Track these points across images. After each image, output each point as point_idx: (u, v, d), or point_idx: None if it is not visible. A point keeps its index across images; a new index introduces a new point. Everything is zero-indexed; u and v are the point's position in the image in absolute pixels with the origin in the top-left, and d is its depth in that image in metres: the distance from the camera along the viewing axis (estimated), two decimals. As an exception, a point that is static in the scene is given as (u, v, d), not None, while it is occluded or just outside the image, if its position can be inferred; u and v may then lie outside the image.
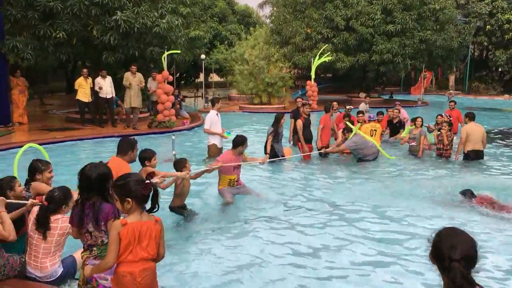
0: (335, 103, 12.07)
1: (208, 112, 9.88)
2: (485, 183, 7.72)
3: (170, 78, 13.96)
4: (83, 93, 13.73)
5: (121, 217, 3.31)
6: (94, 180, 3.23)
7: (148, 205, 2.99)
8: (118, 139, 5.64)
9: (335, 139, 10.58)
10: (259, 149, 9.98)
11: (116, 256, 2.81)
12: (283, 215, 6.12)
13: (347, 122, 9.87)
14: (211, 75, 31.79)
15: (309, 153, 9.65)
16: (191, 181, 5.92)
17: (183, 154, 9.14)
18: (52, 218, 3.84)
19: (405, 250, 4.99)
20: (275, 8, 27.31)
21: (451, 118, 10.71)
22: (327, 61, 20.51)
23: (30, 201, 3.90)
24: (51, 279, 3.90)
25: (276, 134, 9.24)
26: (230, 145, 6.78)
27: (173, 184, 5.52)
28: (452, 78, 36.23)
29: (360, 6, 22.50)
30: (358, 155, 9.44)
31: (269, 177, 8.35)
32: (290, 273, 4.41)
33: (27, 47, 12.77)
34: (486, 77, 34.36)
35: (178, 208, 5.79)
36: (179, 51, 15.08)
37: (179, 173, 5.44)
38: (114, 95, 14.25)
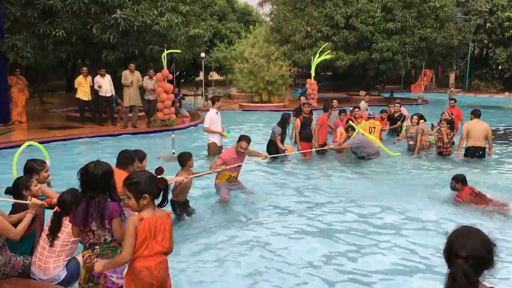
0: (335, 101, 12.14)
1: (208, 110, 9.87)
2: (485, 181, 7.73)
3: (170, 76, 13.93)
4: (83, 92, 13.71)
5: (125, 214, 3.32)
6: (100, 178, 3.20)
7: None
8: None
9: (335, 137, 10.57)
10: (260, 149, 9.91)
11: (133, 251, 2.84)
12: (282, 213, 6.12)
13: (350, 121, 9.91)
14: (211, 73, 31.74)
15: (309, 150, 9.67)
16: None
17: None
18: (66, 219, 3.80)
19: (404, 248, 4.99)
20: (274, 6, 27.27)
21: (452, 116, 10.73)
22: (327, 59, 20.47)
23: (31, 202, 3.85)
24: (54, 283, 3.85)
25: (283, 134, 9.31)
26: (230, 144, 6.77)
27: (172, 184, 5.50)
28: (452, 76, 36.18)
29: (360, 4, 22.46)
30: (361, 153, 9.46)
31: (267, 173, 8.36)
32: (289, 272, 4.41)
33: (27, 46, 12.74)
34: (486, 75, 34.31)
35: (180, 203, 5.75)
36: (178, 50, 15.06)
37: (180, 178, 5.43)
38: (113, 94, 14.24)
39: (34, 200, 3.89)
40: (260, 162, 8.62)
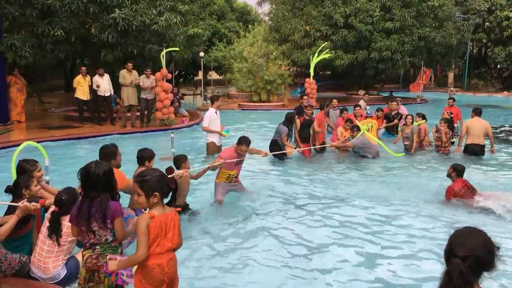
0: (335, 100, 12.18)
1: (207, 110, 9.87)
2: (484, 179, 7.74)
3: (169, 76, 13.92)
4: (82, 91, 13.69)
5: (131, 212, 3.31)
6: (102, 177, 3.20)
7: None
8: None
9: (335, 137, 10.58)
10: (260, 148, 9.92)
11: (147, 249, 2.86)
12: (282, 213, 6.11)
13: (357, 121, 9.95)
14: (209, 73, 31.75)
15: (310, 148, 9.68)
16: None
17: (182, 152, 9.11)
18: (64, 219, 3.81)
19: (405, 245, 4.99)
20: (273, 6, 27.24)
21: (452, 115, 10.74)
22: (326, 58, 20.47)
23: (23, 205, 3.83)
24: (54, 282, 3.87)
25: (289, 134, 9.35)
26: (229, 143, 6.77)
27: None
28: (451, 75, 36.22)
29: (359, 3, 22.46)
30: (363, 153, 9.55)
31: (267, 173, 8.36)
32: (288, 273, 4.41)
33: (25, 45, 12.72)
34: (485, 74, 34.35)
35: (178, 207, 5.77)
36: (177, 49, 15.06)
37: (180, 171, 5.42)
38: (112, 93, 14.22)
39: (26, 203, 3.85)
40: (261, 161, 8.62)
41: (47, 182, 5.55)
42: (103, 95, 13.78)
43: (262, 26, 28.25)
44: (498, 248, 1.99)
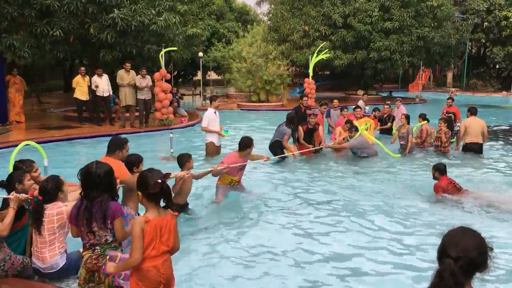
0: (335, 100, 12.22)
1: (206, 110, 9.86)
2: (482, 178, 7.76)
3: (168, 76, 13.91)
4: (81, 92, 13.67)
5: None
6: (103, 178, 3.21)
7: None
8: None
9: (334, 136, 10.58)
10: (262, 149, 9.90)
11: (142, 252, 2.86)
12: (281, 213, 6.12)
13: (355, 122, 9.96)
14: (208, 73, 31.79)
15: (309, 150, 9.67)
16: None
17: (181, 152, 9.10)
18: (46, 208, 3.81)
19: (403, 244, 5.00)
20: (272, 6, 27.27)
21: (451, 115, 10.76)
22: (325, 58, 20.49)
23: (14, 196, 3.82)
24: (53, 270, 3.90)
25: (292, 135, 9.36)
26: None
27: (172, 181, 5.49)
28: (450, 75, 36.25)
29: (358, 3, 22.48)
30: (361, 153, 9.55)
31: (268, 173, 8.36)
32: (288, 272, 4.42)
33: (24, 45, 12.70)
34: (484, 74, 34.37)
35: (178, 206, 5.75)
36: (176, 48, 15.05)
37: (181, 173, 5.42)
38: (111, 93, 14.20)
39: (16, 194, 3.85)
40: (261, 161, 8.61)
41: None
42: (102, 95, 13.76)
43: (261, 26, 28.28)
44: (492, 249, 1.98)
